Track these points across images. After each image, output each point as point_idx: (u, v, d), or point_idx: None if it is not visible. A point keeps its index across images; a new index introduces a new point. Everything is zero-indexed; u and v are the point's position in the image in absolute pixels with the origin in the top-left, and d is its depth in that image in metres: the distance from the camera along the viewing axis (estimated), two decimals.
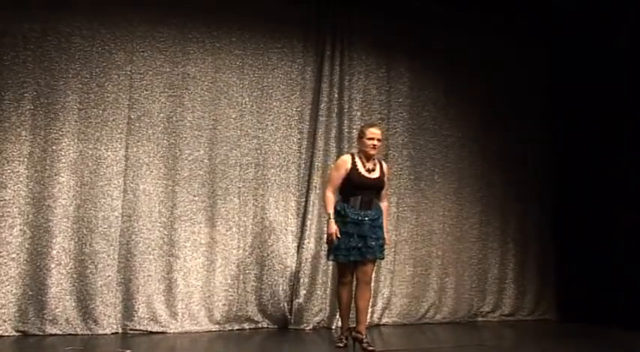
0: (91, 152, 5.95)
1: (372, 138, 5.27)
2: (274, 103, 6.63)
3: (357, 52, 6.97)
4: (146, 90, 6.16)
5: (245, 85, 6.51)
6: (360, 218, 5.24)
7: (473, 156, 7.48)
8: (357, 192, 5.25)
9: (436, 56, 7.33)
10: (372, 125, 5.51)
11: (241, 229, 6.43)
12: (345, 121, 6.88)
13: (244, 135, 6.50)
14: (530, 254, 7.75)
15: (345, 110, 6.88)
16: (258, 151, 6.55)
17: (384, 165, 5.43)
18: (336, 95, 6.84)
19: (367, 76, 7.03)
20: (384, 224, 5.37)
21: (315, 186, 6.62)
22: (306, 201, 6.61)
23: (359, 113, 6.91)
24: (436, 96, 7.31)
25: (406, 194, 7.14)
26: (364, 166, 5.28)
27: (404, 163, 7.15)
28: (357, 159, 5.32)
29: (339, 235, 5.14)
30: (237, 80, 6.50)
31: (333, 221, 5.21)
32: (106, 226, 5.94)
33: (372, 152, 5.30)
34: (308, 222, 6.59)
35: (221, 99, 6.44)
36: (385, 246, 5.36)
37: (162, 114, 6.23)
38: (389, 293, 6.96)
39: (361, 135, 5.36)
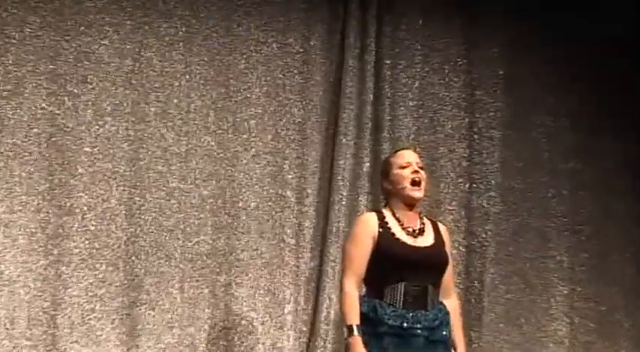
0: None
1: (409, 164, 4.12)
2: (257, 100, 4.95)
3: (407, 15, 5.26)
4: (23, 76, 4.62)
5: (204, 66, 4.87)
6: (406, 325, 3.98)
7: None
8: (397, 275, 4.03)
9: (553, 18, 5.43)
10: (400, 149, 4.51)
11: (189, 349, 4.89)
12: (386, 134, 5.11)
13: (200, 156, 4.87)
14: None
15: (386, 115, 5.11)
16: (222, 191, 4.87)
17: (441, 226, 4.28)
18: (371, 88, 5.09)
19: (426, 57, 5.29)
20: (458, 340, 4.03)
21: (333, 266, 4.94)
22: (317, 294, 5.01)
23: (409, 119, 5.23)
24: (547, 86, 5.45)
25: (502, 266, 5.19)
26: (402, 226, 4.05)
27: (491, 204, 5.36)
28: (388, 217, 4.11)
29: None
30: (185, 53, 4.86)
31: (357, 339, 3.89)
32: None
33: (416, 192, 4.10)
34: (319, 336, 4.92)
35: (147, 90, 4.76)
36: None
37: (40, 119, 4.63)
38: None
39: (386, 168, 4.20)
